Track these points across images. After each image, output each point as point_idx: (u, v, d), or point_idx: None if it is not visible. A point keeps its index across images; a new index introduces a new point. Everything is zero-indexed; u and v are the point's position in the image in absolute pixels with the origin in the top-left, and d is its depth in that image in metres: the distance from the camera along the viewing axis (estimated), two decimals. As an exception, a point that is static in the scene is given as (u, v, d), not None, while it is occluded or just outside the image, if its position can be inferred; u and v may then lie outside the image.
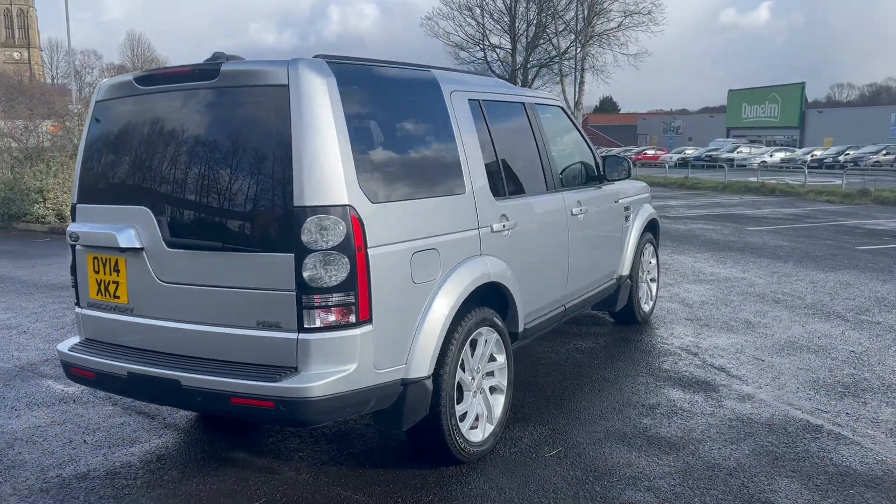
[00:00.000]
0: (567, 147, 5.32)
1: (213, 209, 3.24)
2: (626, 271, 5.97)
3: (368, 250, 3.11)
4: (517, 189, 4.35)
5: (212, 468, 3.81)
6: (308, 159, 3.02)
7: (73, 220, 3.71)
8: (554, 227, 4.64)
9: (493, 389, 4.02)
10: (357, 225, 3.07)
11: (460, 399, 3.74)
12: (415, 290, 3.39)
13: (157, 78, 3.42)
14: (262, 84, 3.15)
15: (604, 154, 5.49)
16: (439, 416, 3.53)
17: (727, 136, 58.39)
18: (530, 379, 5.09)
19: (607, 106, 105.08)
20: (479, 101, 4.15)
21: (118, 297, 3.53)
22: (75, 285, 3.76)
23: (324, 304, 3.04)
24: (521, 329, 4.24)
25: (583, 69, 34.86)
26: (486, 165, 4.02)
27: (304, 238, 3.00)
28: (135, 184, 3.45)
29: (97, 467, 3.85)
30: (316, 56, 3.29)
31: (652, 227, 6.57)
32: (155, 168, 3.39)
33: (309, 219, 3.00)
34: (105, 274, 3.56)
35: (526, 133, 4.62)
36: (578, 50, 34.93)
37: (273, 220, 3.08)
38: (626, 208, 5.94)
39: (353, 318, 3.09)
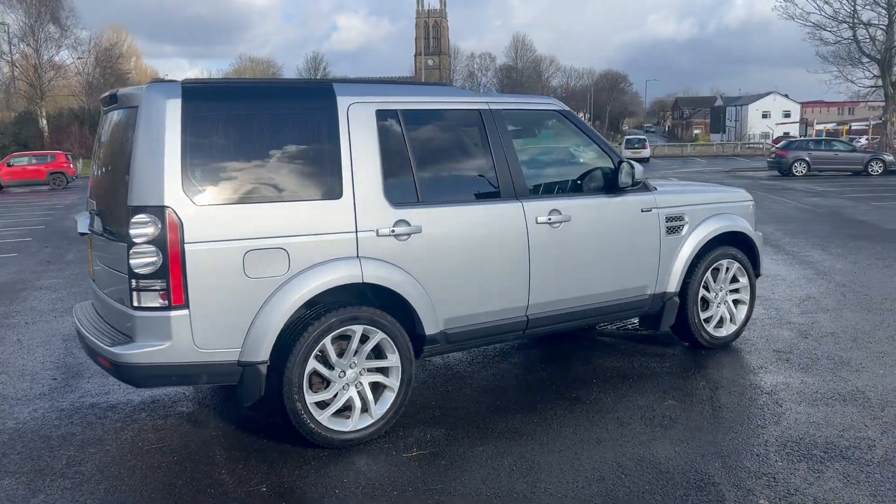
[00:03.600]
0: (559, 154, 5.06)
1: (104, 206, 4.19)
2: (672, 288, 5.41)
3: (186, 245, 3.69)
4: (439, 197, 4.41)
5: (167, 415, 4.74)
6: (138, 166, 3.73)
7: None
8: (499, 234, 4.56)
9: (378, 386, 4.24)
10: (174, 223, 3.67)
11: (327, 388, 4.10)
12: (249, 284, 3.85)
13: (107, 100, 4.43)
14: (131, 105, 3.96)
15: (619, 160, 5.04)
16: (283, 401, 3.94)
17: None
18: (504, 388, 5.06)
19: None
20: (396, 111, 4.34)
21: (91, 271, 4.64)
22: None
23: (144, 287, 3.73)
24: (431, 332, 4.35)
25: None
26: (386, 174, 4.22)
27: (130, 232, 3.71)
28: (94, 182, 4.51)
29: (111, 401, 5.04)
30: (185, 80, 3.95)
31: (737, 241, 5.77)
32: (97, 169, 4.43)
33: (134, 216, 3.70)
34: (90, 253, 4.69)
35: (473, 141, 4.63)
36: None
37: (121, 217, 3.85)
38: (675, 218, 5.36)
39: (167, 302, 3.70)
